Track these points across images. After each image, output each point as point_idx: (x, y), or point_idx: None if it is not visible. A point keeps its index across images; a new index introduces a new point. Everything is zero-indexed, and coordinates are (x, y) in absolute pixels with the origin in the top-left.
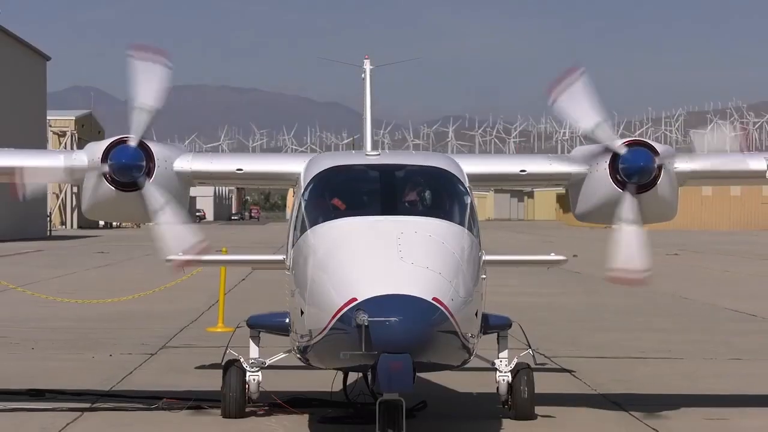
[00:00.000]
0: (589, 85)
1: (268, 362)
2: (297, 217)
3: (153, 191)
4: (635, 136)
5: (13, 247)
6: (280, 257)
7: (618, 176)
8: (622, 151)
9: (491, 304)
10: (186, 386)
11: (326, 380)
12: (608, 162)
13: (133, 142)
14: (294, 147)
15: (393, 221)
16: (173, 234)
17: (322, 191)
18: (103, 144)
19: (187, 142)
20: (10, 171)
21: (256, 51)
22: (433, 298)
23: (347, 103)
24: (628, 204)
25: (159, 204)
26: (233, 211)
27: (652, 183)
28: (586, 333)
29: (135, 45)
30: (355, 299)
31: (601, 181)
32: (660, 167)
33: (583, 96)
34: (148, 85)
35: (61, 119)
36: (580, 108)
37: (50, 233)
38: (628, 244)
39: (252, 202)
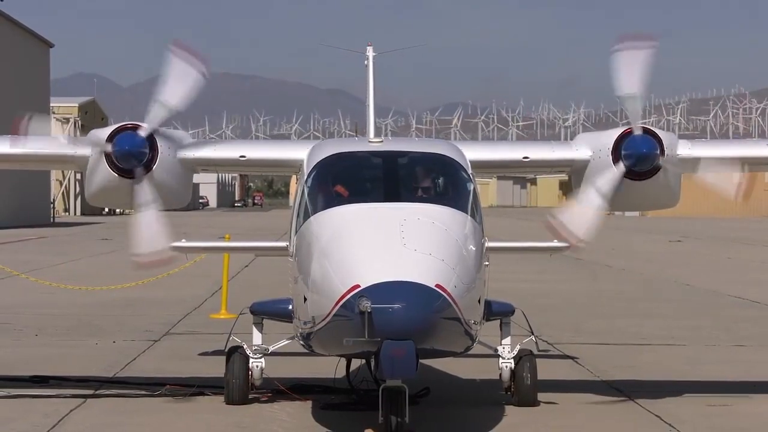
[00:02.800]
0: (651, 60)
1: (271, 349)
2: (300, 204)
3: (147, 183)
4: (640, 123)
5: (16, 234)
6: (283, 244)
7: (620, 162)
8: (619, 145)
9: (494, 290)
10: (189, 373)
11: (329, 367)
12: (611, 148)
13: (143, 132)
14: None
15: (396, 208)
16: (147, 236)
17: (325, 178)
18: (107, 131)
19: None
20: (13, 158)
21: (258, 37)
22: (436, 285)
23: (350, 90)
24: (615, 181)
25: (148, 198)
26: (236, 198)
27: (655, 170)
28: (588, 319)
29: (178, 42)
30: (358, 286)
31: (603, 167)
32: (663, 154)
33: (640, 64)
34: (177, 85)
35: (64, 106)
36: (629, 71)
37: (54, 220)
38: (583, 213)
39: (255, 189)
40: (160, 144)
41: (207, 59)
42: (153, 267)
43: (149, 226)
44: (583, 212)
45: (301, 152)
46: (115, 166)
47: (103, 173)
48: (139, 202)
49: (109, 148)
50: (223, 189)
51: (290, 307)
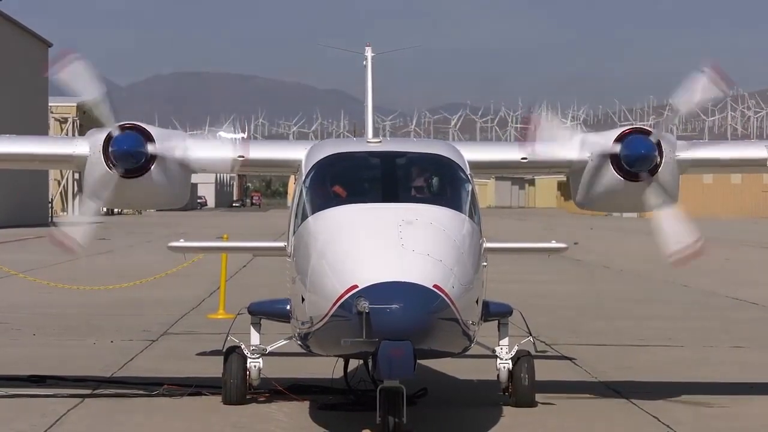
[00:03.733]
0: (551, 116)
1: (269, 349)
2: (298, 204)
3: (157, 176)
4: (636, 124)
5: (14, 234)
6: (281, 244)
7: (619, 164)
8: (618, 146)
9: (492, 291)
10: (187, 373)
11: (327, 367)
12: (608, 150)
13: (141, 133)
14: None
15: (394, 208)
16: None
17: (324, 178)
18: (105, 131)
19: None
20: (11, 158)
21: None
22: (434, 285)
23: (349, 91)
24: (643, 190)
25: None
26: (235, 198)
27: (653, 171)
28: (586, 320)
29: (46, 67)
30: (356, 286)
31: (602, 169)
32: (660, 155)
33: (553, 131)
34: (82, 84)
35: (62, 106)
36: (555, 144)
37: (52, 220)
38: (671, 226)
39: (253, 189)
40: (158, 141)
41: (70, 49)
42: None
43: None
44: (668, 225)
45: (299, 152)
46: (114, 165)
47: (101, 172)
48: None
49: (107, 154)
50: (221, 189)
51: (288, 307)
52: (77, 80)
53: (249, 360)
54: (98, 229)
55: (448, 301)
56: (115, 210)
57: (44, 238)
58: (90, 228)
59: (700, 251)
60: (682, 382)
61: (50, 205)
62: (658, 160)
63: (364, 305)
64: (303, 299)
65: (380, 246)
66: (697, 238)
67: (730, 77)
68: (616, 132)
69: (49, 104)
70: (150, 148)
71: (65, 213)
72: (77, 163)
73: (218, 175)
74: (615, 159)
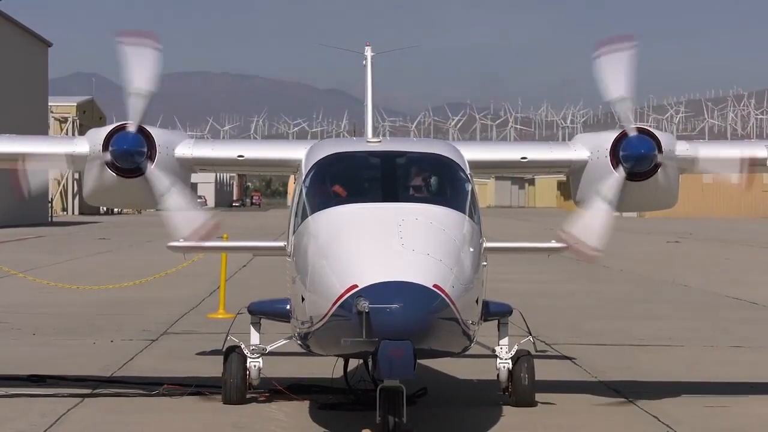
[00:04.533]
0: (634, 60)
1: (268, 349)
2: (298, 203)
3: (156, 175)
4: (636, 124)
5: (14, 233)
6: (281, 244)
7: (619, 164)
8: (618, 146)
9: (492, 291)
10: (187, 372)
11: (327, 367)
12: (609, 149)
13: (132, 128)
14: (295, 133)
15: (394, 208)
16: (182, 217)
17: (323, 178)
18: (105, 130)
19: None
20: (11, 157)
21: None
22: (434, 285)
23: (349, 90)
24: (618, 186)
25: (164, 188)
26: (234, 198)
27: (653, 170)
28: (586, 320)
29: (123, 31)
30: (355, 286)
31: (601, 168)
32: (661, 154)
33: (624, 66)
34: (140, 70)
35: (62, 105)
36: (615, 75)
37: (52, 219)
38: (593, 222)
39: (253, 189)
40: (158, 142)
41: (153, 33)
42: (203, 238)
43: (180, 212)
44: (592, 221)
45: (299, 152)
46: (114, 165)
47: (101, 173)
48: (158, 193)
49: (107, 155)
50: (221, 189)
51: (288, 307)
52: (140, 63)
53: (249, 360)
54: (99, 228)
55: (448, 301)
56: (115, 210)
57: (44, 237)
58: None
59: (589, 257)
60: (682, 381)
61: (50, 204)
62: (658, 159)
63: (364, 305)
64: (303, 299)
65: (380, 246)
66: (597, 249)
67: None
68: (617, 131)
69: (49, 104)
70: (150, 147)
71: (65, 212)
72: (77, 163)
73: (218, 174)
74: (615, 158)
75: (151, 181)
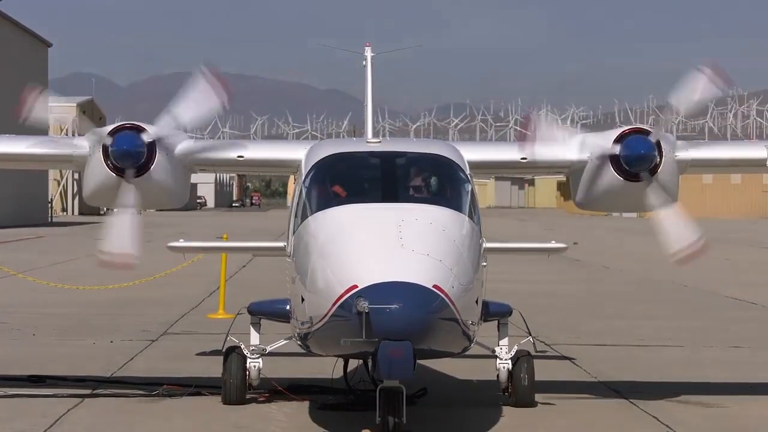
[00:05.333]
0: (550, 117)
1: (268, 349)
2: (298, 204)
3: (140, 184)
4: (636, 125)
5: (14, 234)
6: (280, 244)
7: (619, 164)
8: (618, 146)
9: (491, 291)
10: (187, 373)
11: (327, 367)
12: (609, 150)
13: (142, 133)
14: (294, 133)
15: (394, 208)
16: (119, 230)
17: (323, 178)
18: (105, 130)
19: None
20: (11, 157)
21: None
22: (434, 286)
23: (348, 91)
24: (618, 187)
25: (137, 200)
26: (234, 198)
27: (653, 171)
28: (586, 320)
29: (211, 68)
30: (355, 286)
31: (601, 169)
32: (660, 155)
33: (551, 132)
34: (195, 106)
35: (62, 106)
36: (555, 145)
37: (51, 219)
38: (672, 225)
39: (253, 189)
40: (159, 144)
41: (232, 91)
42: (114, 268)
43: (123, 227)
44: (673, 220)
45: (299, 152)
46: (114, 165)
47: (101, 173)
48: (125, 202)
49: (107, 149)
50: (221, 189)
51: (288, 307)
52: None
53: (249, 360)
54: (99, 228)
55: (448, 301)
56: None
57: (44, 238)
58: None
59: (702, 250)
60: (682, 382)
61: (50, 205)
62: (658, 160)
63: (363, 305)
64: (303, 299)
65: (380, 246)
66: (699, 237)
67: (729, 76)
68: (616, 132)
69: (49, 104)
70: (149, 148)
71: (65, 213)
72: (77, 163)
73: (218, 175)
74: (615, 159)
75: (151, 182)
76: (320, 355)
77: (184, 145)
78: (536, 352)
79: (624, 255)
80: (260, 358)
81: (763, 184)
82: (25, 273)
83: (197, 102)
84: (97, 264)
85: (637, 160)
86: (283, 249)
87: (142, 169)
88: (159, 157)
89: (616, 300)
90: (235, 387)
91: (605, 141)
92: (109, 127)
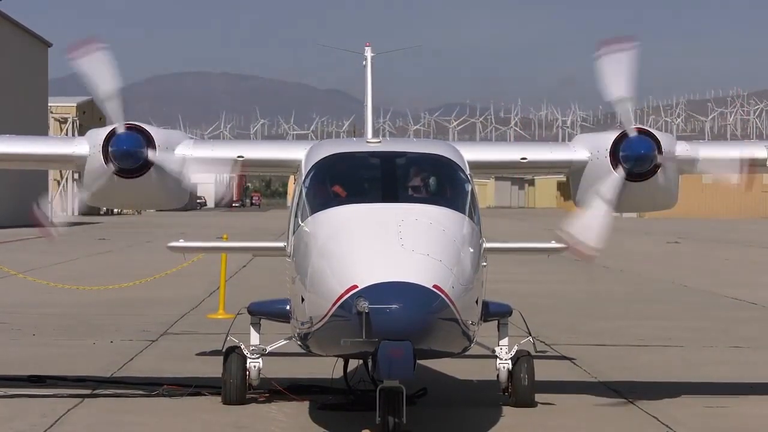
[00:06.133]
0: (635, 61)
1: (268, 349)
2: (298, 204)
3: (153, 179)
4: (636, 125)
5: (14, 234)
6: (280, 244)
7: (618, 164)
8: (618, 146)
9: (491, 291)
10: (187, 373)
11: (327, 367)
12: (609, 150)
13: (141, 133)
14: (295, 134)
15: (394, 208)
16: None
17: (323, 179)
18: (104, 131)
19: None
20: (11, 158)
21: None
22: (434, 286)
23: (348, 90)
24: (618, 187)
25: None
26: (234, 198)
27: (653, 171)
28: (586, 321)
29: (70, 46)
30: (355, 286)
31: (601, 169)
32: (660, 155)
33: (625, 66)
34: (99, 76)
35: (62, 106)
36: (616, 75)
37: (51, 220)
38: (592, 221)
39: (253, 189)
40: (158, 143)
41: (93, 38)
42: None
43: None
44: (592, 220)
45: (299, 152)
46: (113, 165)
47: (101, 173)
48: (125, 202)
49: (107, 150)
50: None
51: (288, 307)
52: (96, 70)
53: (249, 360)
54: (99, 228)
55: (448, 302)
56: (115, 210)
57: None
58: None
59: (588, 257)
60: (681, 382)
61: (50, 205)
62: (658, 160)
63: (363, 305)
64: (303, 299)
65: (380, 246)
66: (596, 249)
67: (630, 37)
68: (616, 132)
69: (49, 104)
70: (149, 148)
71: (64, 213)
72: (77, 163)
73: (218, 175)
74: (615, 159)
75: (151, 182)
76: (320, 355)
77: (183, 145)
78: (536, 352)
79: (624, 255)
80: (260, 358)
81: (763, 184)
82: (25, 273)
83: (96, 73)
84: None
85: (637, 160)
86: (283, 249)
87: (142, 169)
88: (159, 157)
89: (616, 300)
90: (235, 387)
91: (605, 141)
92: (109, 128)
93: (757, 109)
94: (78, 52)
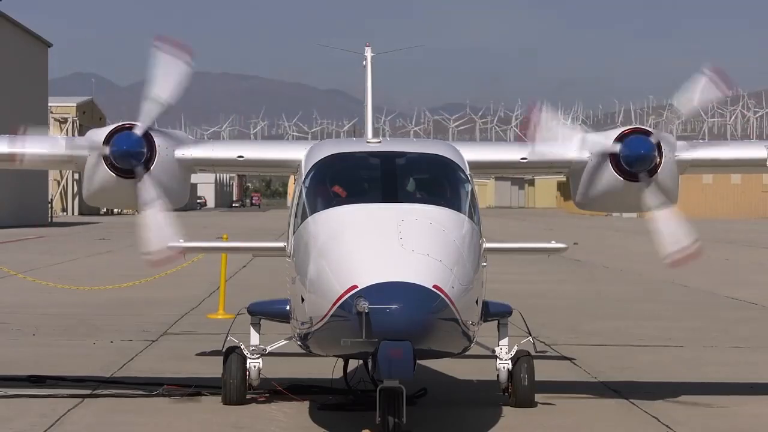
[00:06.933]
0: (186, 73)
1: (268, 349)
2: (298, 204)
3: (149, 182)
4: (636, 125)
5: (14, 234)
6: (280, 244)
7: (618, 164)
8: (618, 146)
9: (492, 291)
10: (187, 373)
11: (327, 367)
12: (609, 150)
13: (138, 131)
14: (295, 134)
15: (394, 209)
16: (155, 227)
17: (323, 179)
18: (105, 130)
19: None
20: (11, 157)
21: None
22: (434, 286)
23: (348, 91)
24: (618, 187)
25: (151, 196)
26: (234, 199)
27: (653, 171)
28: (586, 321)
29: (161, 37)
30: (355, 286)
31: (601, 169)
32: (660, 155)
33: (175, 72)
34: (166, 79)
35: (62, 106)
36: (165, 75)
37: (51, 220)
38: (669, 227)
39: (253, 189)
40: (158, 143)
41: (190, 49)
42: (163, 264)
43: (157, 224)
44: (666, 225)
45: (299, 152)
46: (113, 166)
47: (101, 173)
48: (143, 201)
49: (107, 154)
50: (221, 189)
51: (288, 307)
52: (169, 72)
53: (249, 360)
54: (99, 228)
55: (448, 302)
56: (115, 210)
57: (44, 238)
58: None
59: (697, 253)
60: (682, 382)
61: (50, 205)
62: (658, 160)
63: (363, 305)
64: (303, 299)
65: (380, 246)
66: (695, 240)
67: (730, 79)
68: (616, 132)
69: (49, 104)
70: (149, 148)
71: (65, 213)
72: (77, 163)
73: (218, 175)
74: (615, 159)
75: (150, 182)
76: (320, 356)
77: (183, 145)
78: (536, 352)
79: (624, 255)
80: (260, 359)
81: (763, 184)
82: (25, 273)
83: (166, 74)
84: (146, 265)
85: (637, 160)
86: (283, 249)
87: (143, 168)
88: (159, 157)
89: (616, 300)
90: (235, 387)
91: (605, 141)
92: (109, 128)
93: (758, 110)
94: (165, 46)
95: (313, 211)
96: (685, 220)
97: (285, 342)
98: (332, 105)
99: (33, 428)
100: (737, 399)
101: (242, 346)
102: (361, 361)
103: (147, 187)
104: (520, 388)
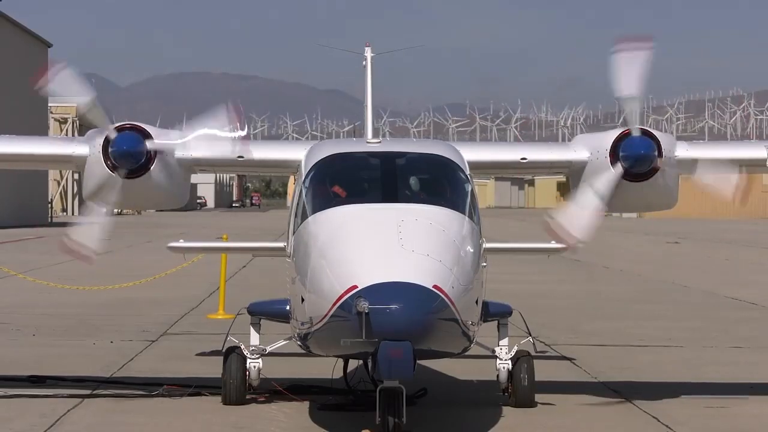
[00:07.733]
0: (649, 61)
1: (268, 349)
2: (298, 204)
3: (149, 182)
4: (637, 125)
5: (14, 234)
6: (280, 244)
7: (618, 164)
8: (618, 146)
9: (491, 291)
10: (186, 373)
11: (327, 367)
12: (609, 150)
13: (141, 134)
14: (295, 134)
15: (394, 209)
16: (93, 225)
17: (323, 179)
18: (105, 131)
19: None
20: (11, 158)
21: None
22: (434, 286)
23: (348, 91)
24: (617, 187)
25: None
26: (234, 199)
27: (653, 171)
28: (586, 321)
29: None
30: (355, 286)
31: (601, 169)
32: (660, 155)
33: (638, 65)
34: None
35: (62, 106)
36: (628, 73)
37: (51, 220)
38: (581, 214)
39: (253, 190)
40: (159, 144)
41: (649, 36)
42: (70, 255)
43: (96, 224)
44: (581, 213)
45: (299, 152)
46: (113, 165)
47: (101, 173)
48: (116, 200)
49: (107, 154)
50: (221, 189)
51: (288, 307)
52: (67, 87)
53: (249, 360)
54: (105, 230)
55: (448, 302)
56: (115, 210)
57: (44, 238)
58: (99, 231)
59: (568, 245)
60: (681, 382)
61: (50, 205)
62: (658, 160)
63: (363, 305)
64: (303, 299)
65: (380, 246)
66: (579, 240)
67: (649, 35)
68: (616, 132)
69: (49, 104)
70: (149, 147)
71: (65, 213)
72: (77, 164)
73: (218, 175)
74: (615, 159)
75: (151, 182)
76: (320, 356)
77: (183, 145)
78: (536, 352)
79: (624, 255)
80: (260, 359)
81: (763, 184)
82: (25, 273)
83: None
84: (58, 248)
85: (637, 160)
86: (283, 249)
87: (142, 169)
88: (159, 157)
89: (616, 300)
90: (235, 387)
91: (605, 141)
92: (109, 128)
93: (758, 111)
94: (44, 79)
95: (313, 211)
96: (595, 220)
97: (285, 342)
98: (332, 105)
99: (33, 428)
100: (737, 399)
101: (242, 346)
102: (361, 361)
103: (147, 187)
104: (520, 388)
